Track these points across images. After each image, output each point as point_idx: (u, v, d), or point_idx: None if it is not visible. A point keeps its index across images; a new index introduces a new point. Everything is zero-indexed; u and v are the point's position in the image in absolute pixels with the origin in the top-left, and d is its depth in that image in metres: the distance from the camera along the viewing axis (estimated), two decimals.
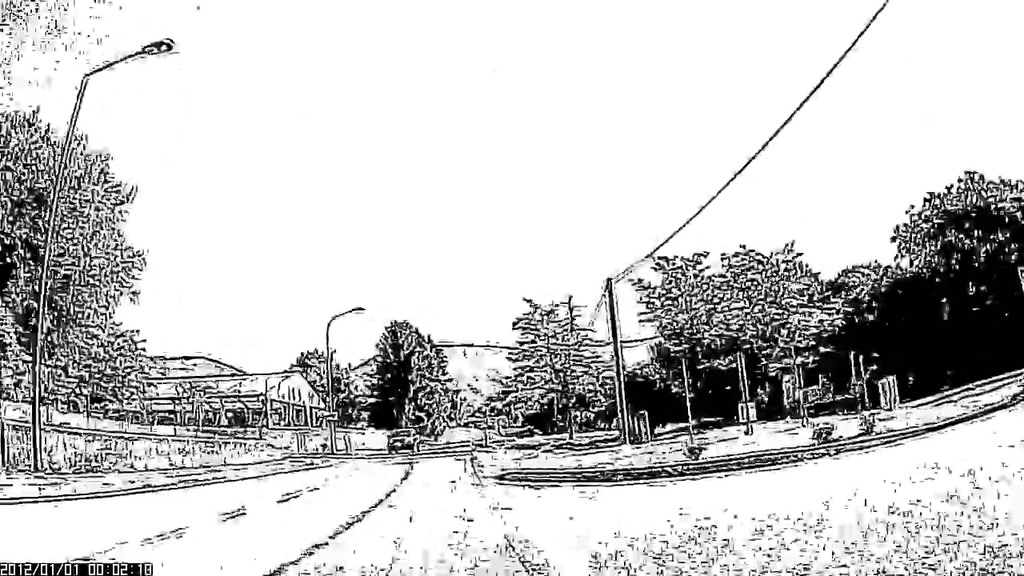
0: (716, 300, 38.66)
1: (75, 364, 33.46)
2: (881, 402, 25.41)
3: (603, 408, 44.88)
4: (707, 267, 40.18)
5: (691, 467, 16.77)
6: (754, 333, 38.29)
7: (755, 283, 38.89)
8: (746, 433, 25.85)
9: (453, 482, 22.28)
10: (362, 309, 45.25)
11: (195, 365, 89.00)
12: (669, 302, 38.89)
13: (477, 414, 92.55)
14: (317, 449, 41.68)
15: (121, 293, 30.97)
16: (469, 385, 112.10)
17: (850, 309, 39.41)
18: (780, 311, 38.20)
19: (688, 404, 38.36)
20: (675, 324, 38.81)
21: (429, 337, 77.92)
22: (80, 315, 30.74)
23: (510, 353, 43.47)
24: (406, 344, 72.13)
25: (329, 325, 44.57)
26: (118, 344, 37.35)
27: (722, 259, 40.01)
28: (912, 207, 37.75)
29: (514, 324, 41.88)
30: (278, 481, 23.33)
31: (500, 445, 49.91)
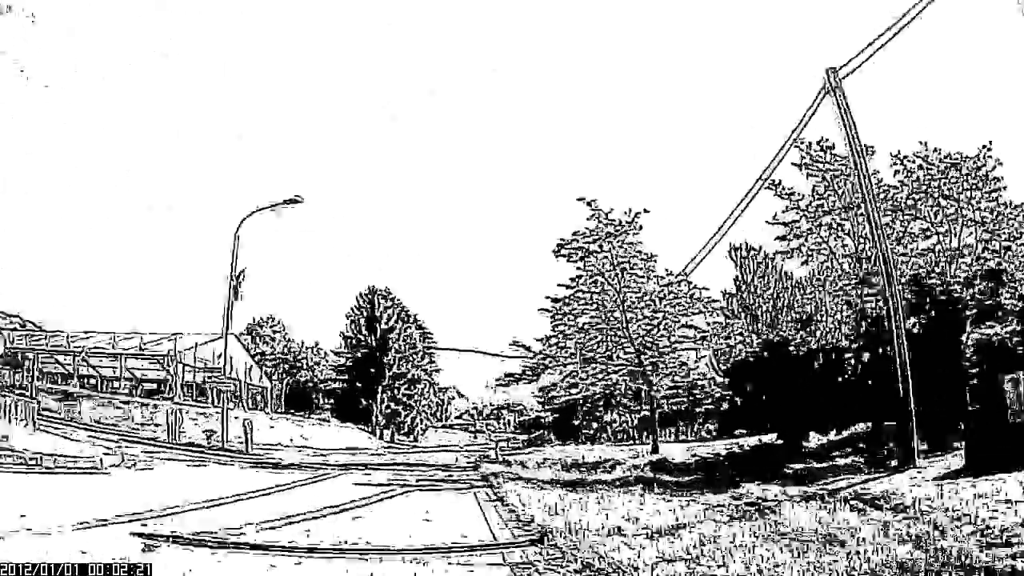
0: (906, 221, 23.41)
1: None
2: None
3: (708, 401, 28.84)
4: (876, 171, 25.04)
5: None
6: (959, 278, 22.97)
7: (958, 199, 23.76)
8: None
9: None
10: (299, 199, 29.33)
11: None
12: (830, 216, 23.49)
13: (465, 416, 77.87)
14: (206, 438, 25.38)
15: None
16: (455, 387, 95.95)
17: None
18: (1008, 240, 23.09)
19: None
20: (839, 258, 23.39)
21: (416, 316, 61.75)
22: None
23: (550, 302, 27.26)
24: (384, 318, 55.88)
25: (240, 226, 28.56)
26: None
27: (894, 162, 24.88)
28: None
29: (557, 250, 26.00)
30: None
31: (504, 459, 33.19)
